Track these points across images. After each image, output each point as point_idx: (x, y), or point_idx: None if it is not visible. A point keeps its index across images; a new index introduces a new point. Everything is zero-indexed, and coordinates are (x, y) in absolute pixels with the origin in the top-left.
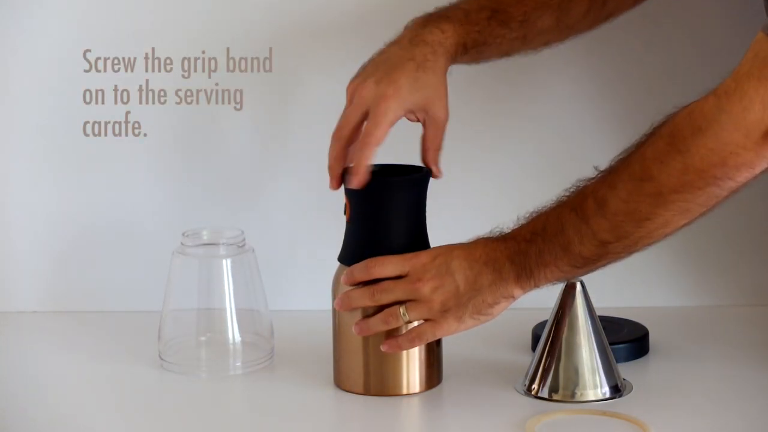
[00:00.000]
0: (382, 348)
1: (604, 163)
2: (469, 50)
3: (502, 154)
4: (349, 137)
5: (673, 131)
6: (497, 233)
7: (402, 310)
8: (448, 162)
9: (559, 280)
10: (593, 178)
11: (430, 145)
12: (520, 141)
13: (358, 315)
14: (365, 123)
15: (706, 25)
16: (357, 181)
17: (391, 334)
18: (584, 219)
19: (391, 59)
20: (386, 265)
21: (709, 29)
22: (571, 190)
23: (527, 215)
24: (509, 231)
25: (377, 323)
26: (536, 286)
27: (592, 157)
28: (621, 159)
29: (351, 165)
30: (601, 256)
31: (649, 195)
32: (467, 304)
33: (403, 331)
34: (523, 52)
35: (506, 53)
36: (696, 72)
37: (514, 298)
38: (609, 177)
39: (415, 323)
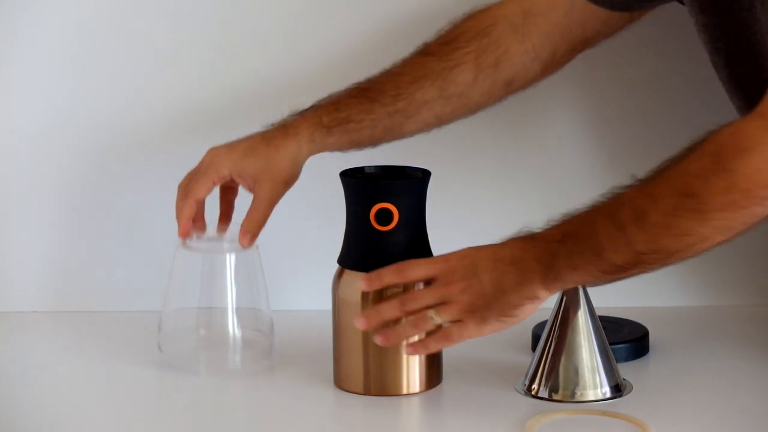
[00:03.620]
0: (407, 351)
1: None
2: (332, 129)
3: (501, 157)
4: (202, 199)
5: (717, 149)
6: (526, 233)
7: (432, 312)
8: (450, 162)
9: (586, 284)
10: (630, 187)
11: (249, 214)
12: (522, 146)
13: (358, 315)
14: None
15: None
16: (249, 243)
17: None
18: (619, 227)
19: (251, 134)
20: (418, 269)
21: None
22: (606, 196)
23: (557, 217)
24: (538, 231)
25: (407, 329)
26: (563, 287)
27: (590, 156)
28: (660, 171)
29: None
30: (633, 265)
31: (691, 211)
32: (492, 305)
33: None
34: (416, 127)
35: (390, 129)
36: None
37: (539, 299)
38: (648, 188)
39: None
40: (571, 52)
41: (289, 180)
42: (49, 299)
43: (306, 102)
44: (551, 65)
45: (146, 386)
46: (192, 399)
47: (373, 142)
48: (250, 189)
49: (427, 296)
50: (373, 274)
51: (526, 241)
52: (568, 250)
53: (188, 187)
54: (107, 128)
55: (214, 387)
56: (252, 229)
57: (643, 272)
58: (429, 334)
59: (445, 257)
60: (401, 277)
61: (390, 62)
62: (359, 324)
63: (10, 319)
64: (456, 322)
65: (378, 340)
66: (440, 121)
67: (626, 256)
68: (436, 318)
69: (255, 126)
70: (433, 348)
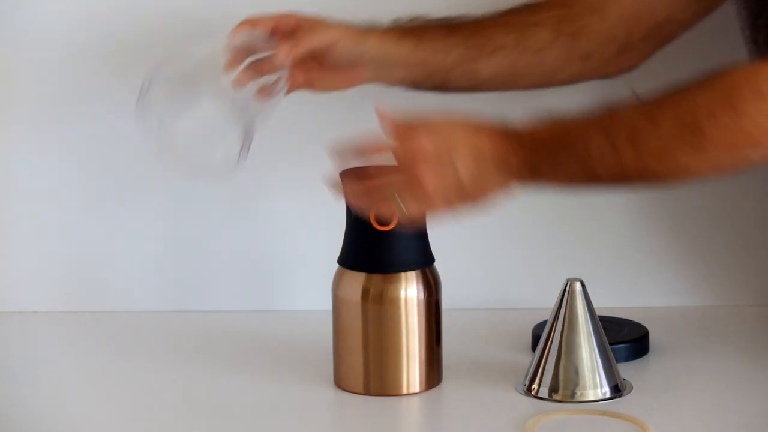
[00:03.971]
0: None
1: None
2: (405, 36)
3: None
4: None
5: (731, 88)
6: (508, 125)
7: (398, 202)
8: None
9: (561, 188)
10: (630, 105)
11: (291, 38)
12: None
13: (358, 316)
14: None
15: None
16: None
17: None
18: (612, 143)
19: None
20: (381, 147)
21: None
22: (602, 108)
23: (543, 117)
24: (523, 127)
25: (369, 203)
26: (537, 187)
27: None
28: (666, 97)
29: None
30: (615, 182)
31: (690, 144)
32: (462, 194)
33: None
34: (489, 70)
35: (462, 62)
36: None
37: (509, 189)
38: (651, 111)
39: None
40: (646, 39)
41: (339, 47)
42: (50, 299)
43: None
44: (627, 49)
45: (146, 386)
46: (191, 399)
47: (443, 73)
48: (307, 31)
49: (395, 185)
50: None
51: (510, 136)
52: (553, 154)
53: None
54: (107, 129)
55: (213, 386)
56: (295, 45)
57: (620, 189)
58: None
59: (413, 130)
60: (365, 158)
61: None
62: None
63: (10, 319)
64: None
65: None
66: (514, 75)
67: (612, 173)
68: (400, 203)
69: None
70: (394, 218)
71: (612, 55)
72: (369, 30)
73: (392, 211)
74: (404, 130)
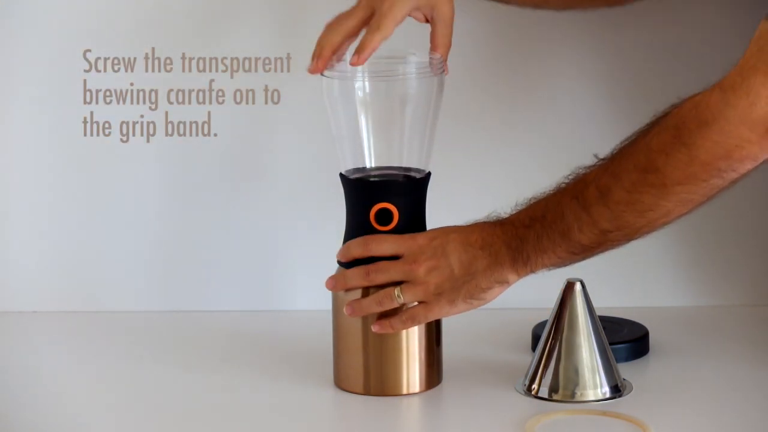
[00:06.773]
0: (373, 328)
1: (606, 151)
2: None
3: (503, 147)
4: (349, 31)
5: (678, 123)
6: (494, 218)
7: (397, 291)
8: (450, 162)
9: (555, 266)
10: (594, 166)
11: (439, 41)
12: (521, 133)
13: (358, 316)
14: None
15: (714, 14)
16: (361, 59)
17: (382, 315)
18: (585, 207)
19: None
20: (383, 244)
21: (716, 18)
22: (571, 177)
23: (525, 201)
24: (507, 216)
25: (371, 304)
26: (532, 271)
27: (594, 146)
28: (624, 148)
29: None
30: (599, 243)
31: (653, 186)
32: (461, 288)
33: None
34: None
35: None
36: (701, 60)
37: (508, 283)
38: (612, 166)
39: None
40: None
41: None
42: (49, 299)
43: None
44: None
45: (146, 386)
46: (191, 399)
47: None
48: (426, 20)
49: (392, 270)
50: (344, 247)
51: (495, 226)
52: (536, 233)
53: (379, 28)
54: (106, 129)
55: (213, 386)
56: (444, 46)
57: (609, 249)
58: (395, 312)
59: (413, 236)
60: (366, 250)
61: None
62: (327, 284)
63: (10, 319)
64: (421, 303)
65: (346, 310)
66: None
67: (592, 236)
68: (401, 297)
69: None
70: (398, 328)
71: None
72: None
73: (392, 304)
74: (404, 237)
